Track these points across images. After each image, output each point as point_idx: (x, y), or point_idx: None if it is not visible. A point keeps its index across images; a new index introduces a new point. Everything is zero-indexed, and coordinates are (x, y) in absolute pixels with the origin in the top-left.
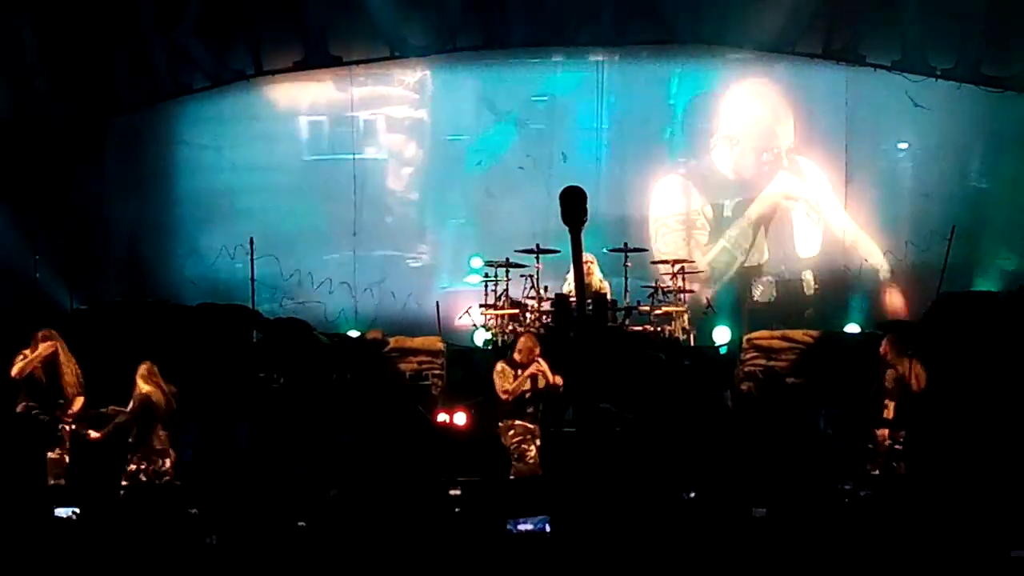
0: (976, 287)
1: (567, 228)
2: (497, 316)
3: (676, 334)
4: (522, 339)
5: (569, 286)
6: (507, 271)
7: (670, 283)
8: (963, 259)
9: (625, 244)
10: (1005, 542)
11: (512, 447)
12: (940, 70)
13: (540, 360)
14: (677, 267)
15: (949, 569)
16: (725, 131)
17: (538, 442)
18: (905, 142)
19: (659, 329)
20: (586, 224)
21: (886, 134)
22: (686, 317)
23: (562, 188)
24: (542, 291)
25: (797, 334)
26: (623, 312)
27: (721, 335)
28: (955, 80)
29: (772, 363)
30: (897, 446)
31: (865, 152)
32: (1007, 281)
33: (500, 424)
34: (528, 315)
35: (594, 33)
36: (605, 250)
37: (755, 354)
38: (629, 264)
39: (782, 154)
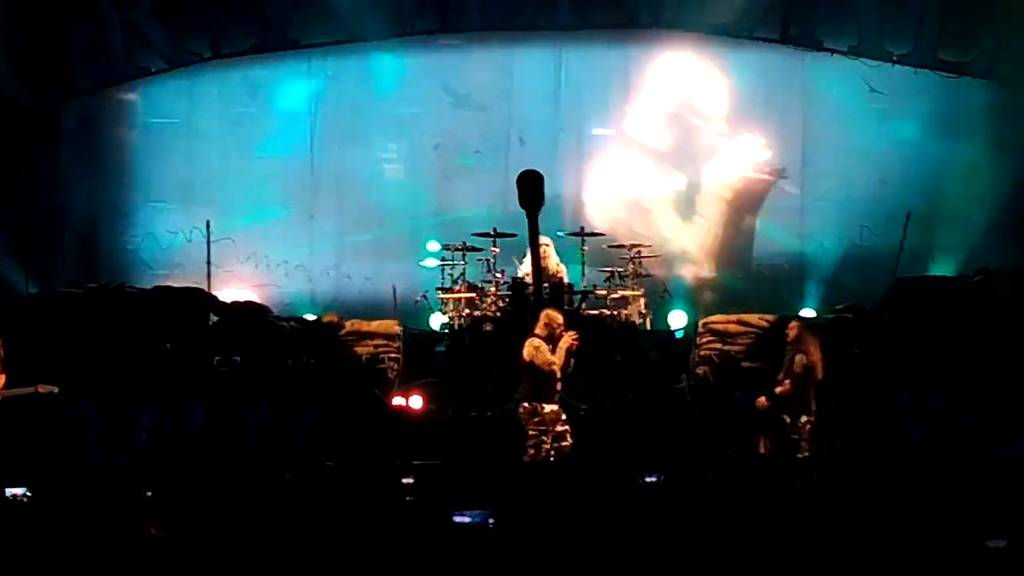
0: (932, 272)
1: (524, 211)
2: (454, 300)
3: (632, 318)
4: (544, 313)
5: (526, 270)
6: (464, 255)
7: (627, 267)
8: (919, 244)
9: (582, 228)
10: (979, 532)
11: (532, 434)
12: (897, 55)
13: (568, 333)
14: (634, 251)
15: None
16: (664, 107)
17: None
18: (861, 127)
19: (615, 313)
20: (543, 207)
21: (843, 119)
22: (642, 301)
23: (519, 172)
24: (499, 275)
25: (753, 318)
26: (579, 296)
27: (677, 319)
28: (912, 65)
29: (728, 347)
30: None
31: (822, 137)
32: (961, 266)
33: (525, 405)
34: (485, 299)
35: (552, 17)
36: (561, 234)
37: (711, 338)
38: (585, 248)
39: (721, 123)
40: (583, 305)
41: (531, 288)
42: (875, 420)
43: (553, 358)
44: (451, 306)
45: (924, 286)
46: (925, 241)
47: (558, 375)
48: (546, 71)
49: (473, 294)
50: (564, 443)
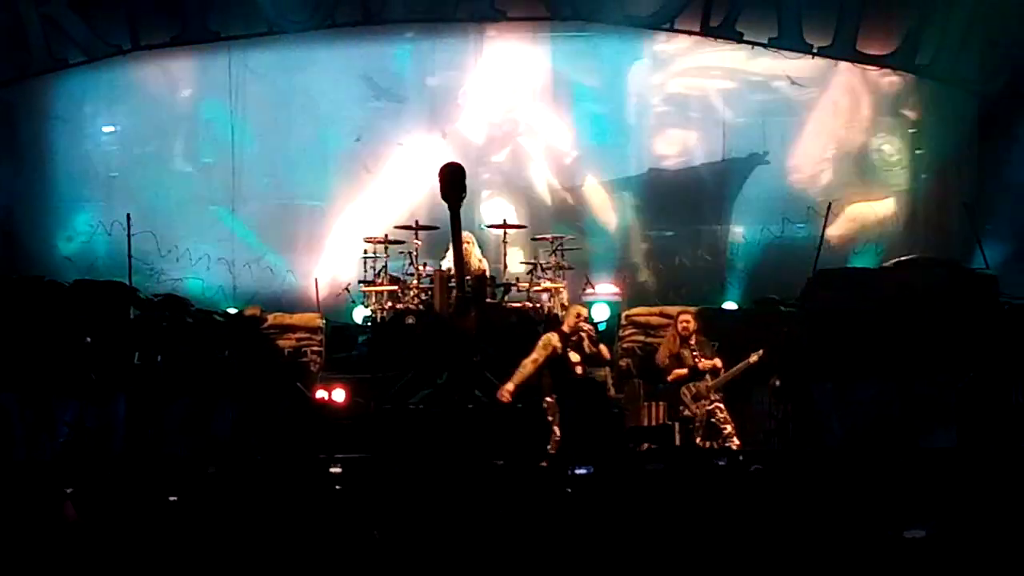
0: (852, 263)
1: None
2: (376, 293)
3: (555, 311)
4: (573, 307)
5: (449, 263)
6: (386, 248)
7: (549, 259)
8: (841, 235)
9: (504, 221)
10: (896, 522)
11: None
12: (817, 48)
13: (584, 324)
14: (556, 243)
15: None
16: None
17: None
18: (780, 117)
19: (538, 306)
20: (464, 200)
21: (762, 110)
22: (565, 294)
23: (441, 164)
24: (421, 268)
25: (675, 311)
26: (502, 289)
27: (600, 312)
28: (832, 58)
29: (650, 339)
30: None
31: (718, 127)
32: (881, 257)
33: (548, 400)
34: (407, 292)
35: (473, 9)
36: (482, 226)
37: (633, 330)
38: (507, 241)
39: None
40: (506, 298)
41: (454, 282)
42: (797, 411)
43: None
44: (373, 299)
45: (845, 277)
46: (847, 232)
47: (577, 371)
48: (467, 63)
49: (395, 287)
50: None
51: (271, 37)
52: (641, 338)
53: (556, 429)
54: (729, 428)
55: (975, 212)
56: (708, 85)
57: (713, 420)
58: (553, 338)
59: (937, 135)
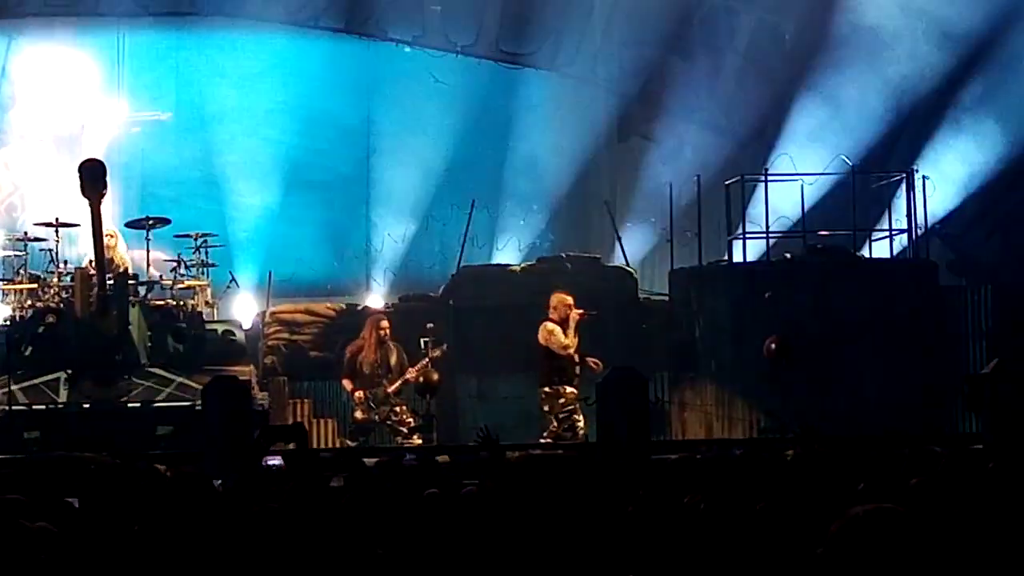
0: (496, 259)
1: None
2: (16, 291)
3: (199, 308)
4: (554, 296)
5: (91, 259)
6: (26, 245)
7: (193, 256)
8: (486, 231)
9: (147, 217)
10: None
11: (562, 416)
12: (460, 46)
13: (574, 310)
14: (200, 240)
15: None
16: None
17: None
18: (425, 118)
19: (181, 303)
20: (105, 196)
21: (407, 110)
22: (209, 291)
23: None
24: (62, 265)
25: (320, 307)
26: (145, 286)
27: (245, 309)
28: (475, 56)
29: (295, 337)
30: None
31: (385, 127)
32: (525, 254)
33: (546, 390)
34: (48, 290)
35: (114, 4)
36: (125, 223)
37: (278, 328)
38: (150, 238)
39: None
40: (149, 295)
41: (95, 278)
42: (440, 406)
43: (567, 341)
44: (13, 297)
45: (487, 273)
46: (492, 228)
47: (576, 359)
48: (111, 56)
49: (35, 285)
50: (580, 426)
51: None
52: (286, 335)
53: (581, 419)
54: (406, 429)
55: (614, 209)
56: None
57: (391, 422)
58: (555, 327)
59: (578, 134)
